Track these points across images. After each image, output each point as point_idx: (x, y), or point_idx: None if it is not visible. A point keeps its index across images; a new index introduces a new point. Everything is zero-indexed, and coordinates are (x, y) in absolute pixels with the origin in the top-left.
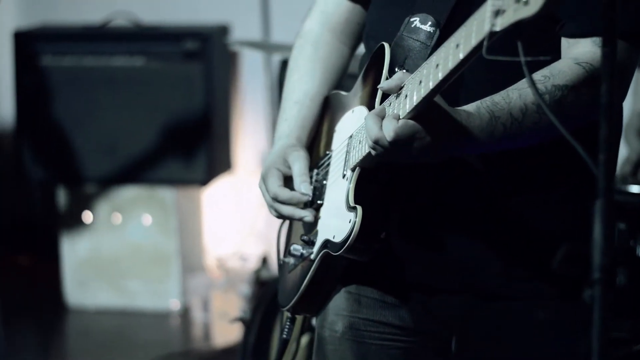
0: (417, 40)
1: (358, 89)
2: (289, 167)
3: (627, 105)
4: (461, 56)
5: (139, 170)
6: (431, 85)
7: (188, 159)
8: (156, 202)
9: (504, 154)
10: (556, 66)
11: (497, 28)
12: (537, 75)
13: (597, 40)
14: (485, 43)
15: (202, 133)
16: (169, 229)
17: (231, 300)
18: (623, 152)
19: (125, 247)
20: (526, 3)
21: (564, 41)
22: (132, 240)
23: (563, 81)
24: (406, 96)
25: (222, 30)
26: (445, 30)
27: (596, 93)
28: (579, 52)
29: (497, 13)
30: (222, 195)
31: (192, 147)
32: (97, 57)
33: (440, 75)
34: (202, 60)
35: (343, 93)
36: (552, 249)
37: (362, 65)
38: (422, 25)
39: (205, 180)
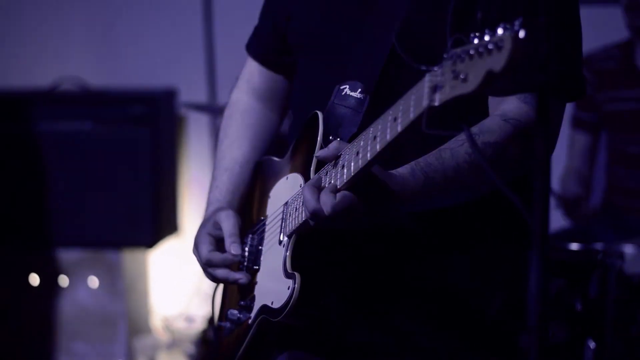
0: (348, 108)
1: (291, 157)
2: (220, 229)
3: (559, 167)
4: (399, 129)
5: (85, 233)
6: (369, 157)
7: (134, 221)
8: (103, 265)
9: (437, 211)
10: (485, 124)
11: (436, 103)
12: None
13: (522, 96)
14: (424, 118)
15: (149, 196)
16: (115, 291)
17: None
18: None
19: (71, 309)
20: (464, 80)
21: (491, 99)
22: (78, 303)
23: (492, 138)
24: (343, 166)
25: (170, 94)
26: (375, 96)
27: (524, 148)
28: (506, 108)
29: (435, 89)
30: (168, 257)
31: (139, 210)
32: (45, 121)
33: (379, 148)
34: (150, 124)
35: (275, 159)
36: (487, 299)
37: (293, 133)
38: (352, 92)
39: (151, 243)
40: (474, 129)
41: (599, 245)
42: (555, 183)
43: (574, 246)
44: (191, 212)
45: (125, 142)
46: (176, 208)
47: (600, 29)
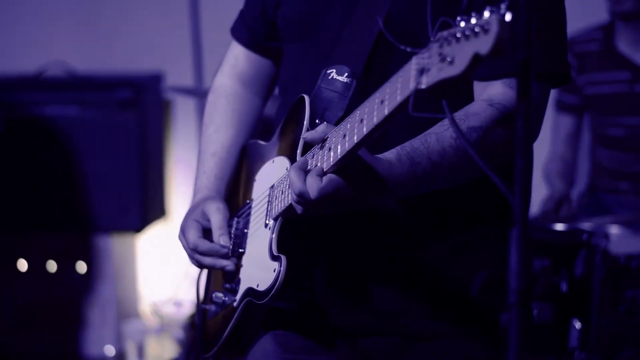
0: (335, 92)
1: (278, 140)
2: (208, 220)
3: (546, 149)
4: (386, 112)
5: (73, 218)
6: (355, 139)
7: (122, 206)
8: (91, 249)
9: (421, 193)
10: (470, 108)
11: (423, 86)
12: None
13: (507, 81)
14: (410, 101)
15: (136, 180)
16: (103, 276)
17: (166, 345)
18: (543, 192)
19: (60, 294)
20: (451, 62)
21: (477, 84)
22: (66, 288)
23: (478, 122)
24: (330, 149)
25: (156, 79)
26: (362, 80)
27: (510, 132)
28: (492, 93)
29: (422, 71)
30: (156, 242)
31: (127, 195)
32: (31, 106)
33: (365, 130)
34: (136, 108)
35: (261, 143)
36: (471, 280)
37: (280, 116)
38: (338, 76)
39: (139, 227)
40: (460, 114)
41: (584, 226)
42: (539, 171)
43: (559, 227)
44: (179, 196)
45: (112, 127)
46: (164, 192)
47: (582, 11)
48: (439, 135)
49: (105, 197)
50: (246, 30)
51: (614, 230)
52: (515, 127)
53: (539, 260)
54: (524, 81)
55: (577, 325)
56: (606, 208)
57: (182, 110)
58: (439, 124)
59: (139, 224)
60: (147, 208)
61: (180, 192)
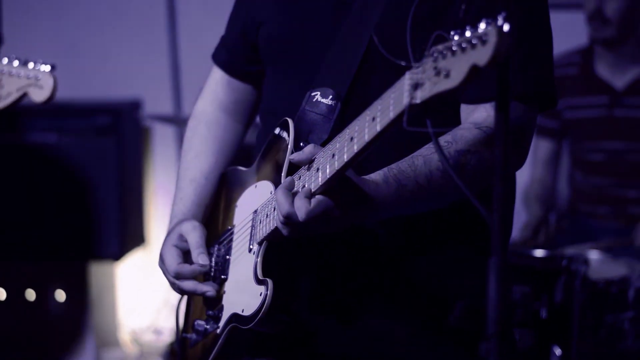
0: (319, 114)
1: (260, 165)
2: (185, 241)
3: (526, 172)
4: (379, 128)
5: (52, 246)
6: (346, 158)
7: (101, 234)
8: (69, 277)
9: (404, 217)
10: (458, 132)
11: (417, 100)
12: (441, 141)
13: (495, 104)
14: (405, 115)
15: (115, 208)
16: (82, 304)
17: None
18: (524, 216)
19: (39, 323)
20: (447, 76)
21: (464, 107)
22: (45, 316)
23: (465, 146)
24: (318, 169)
25: (134, 105)
26: (347, 102)
27: None
28: (479, 116)
29: (416, 86)
30: (136, 270)
31: (105, 222)
32: (9, 133)
33: (356, 148)
34: (115, 135)
35: (242, 169)
36: (450, 307)
37: (261, 141)
38: (323, 98)
39: (118, 255)
40: (447, 137)
41: (563, 251)
42: (520, 195)
43: (539, 252)
44: (158, 224)
45: (91, 154)
46: (143, 220)
47: (564, 35)
48: (426, 158)
49: (84, 225)
50: (227, 55)
51: (593, 255)
52: (494, 153)
53: (519, 286)
54: (503, 105)
55: (558, 351)
56: (586, 233)
57: (162, 137)
58: (426, 146)
59: (118, 252)
60: (126, 236)
61: (160, 220)
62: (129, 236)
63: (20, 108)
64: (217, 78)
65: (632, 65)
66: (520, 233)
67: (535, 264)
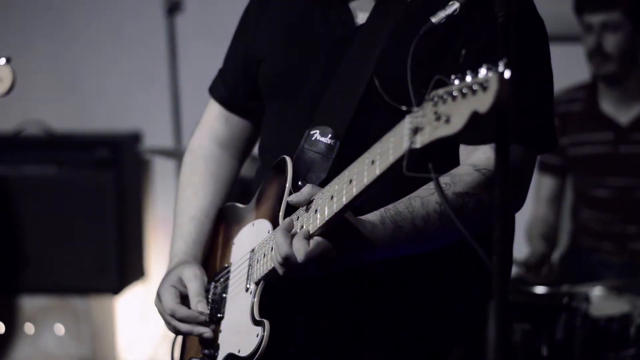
0: (318, 153)
1: (257, 202)
2: (185, 286)
3: (528, 210)
4: (378, 172)
5: (50, 280)
6: (344, 200)
7: (100, 267)
8: (69, 312)
9: (401, 257)
10: (457, 173)
11: (417, 145)
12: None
13: (494, 146)
14: (404, 160)
15: (114, 241)
16: (81, 338)
17: None
18: (526, 252)
19: (38, 357)
20: (447, 121)
21: (463, 148)
22: (45, 350)
23: (464, 188)
24: (316, 211)
25: (134, 138)
26: (346, 141)
27: None
28: (478, 158)
29: (416, 130)
30: (135, 303)
31: (105, 256)
32: (9, 166)
33: (355, 191)
34: (114, 168)
35: (239, 205)
36: (449, 349)
37: (259, 179)
38: (322, 137)
39: (117, 289)
40: (446, 179)
41: (564, 288)
42: (522, 232)
43: (540, 289)
44: (158, 257)
45: (90, 186)
46: (142, 253)
47: (563, 71)
48: (424, 199)
49: (83, 258)
50: (225, 90)
51: (595, 292)
52: (493, 196)
53: (520, 323)
54: (502, 148)
55: None
56: (589, 269)
57: (162, 169)
58: (424, 187)
59: (117, 286)
60: (125, 269)
61: (159, 253)
62: (129, 270)
63: (20, 140)
64: (215, 112)
65: (636, 100)
66: (522, 268)
67: (536, 300)
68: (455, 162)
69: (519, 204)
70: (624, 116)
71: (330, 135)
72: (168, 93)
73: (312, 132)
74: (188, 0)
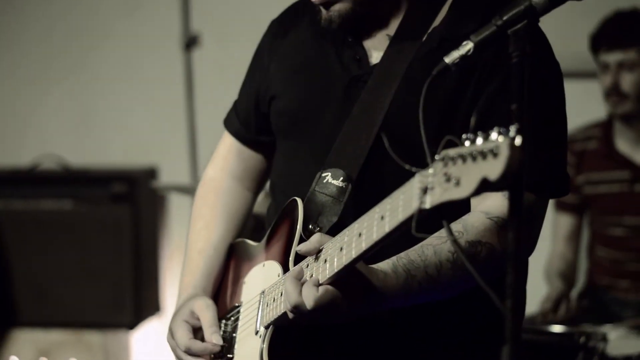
0: (329, 196)
1: (268, 242)
2: (197, 319)
3: (546, 248)
4: (387, 229)
5: (66, 314)
6: (354, 254)
7: (116, 302)
8: (83, 346)
9: (413, 305)
10: (468, 221)
11: (427, 206)
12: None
13: (506, 193)
14: (413, 221)
15: (130, 276)
16: None
17: None
18: (544, 291)
19: None
20: (457, 184)
21: None
22: None
23: (476, 237)
24: (325, 261)
25: (150, 173)
26: (358, 184)
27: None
28: (489, 205)
29: (425, 190)
30: (150, 338)
31: (120, 290)
32: (25, 200)
33: (364, 246)
34: (130, 203)
35: (251, 243)
36: None
37: (270, 217)
38: (333, 180)
39: (133, 324)
40: (458, 227)
41: (581, 327)
42: (540, 271)
43: (557, 328)
44: (173, 293)
45: (106, 221)
46: (158, 288)
47: (582, 105)
48: (436, 247)
49: (98, 293)
50: (239, 123)
51: (611, 331)
52: (507, 243)
53: None
54: (515, 197)
55: None
56: (605, 308)
57: (177, 204)
58: (435, 235)
59: (132, 321)
60: (140, 304)
61: (175, 289)
62: (144, 305)
63: (37, 174)
64: (228, 145)
65: None
66: (541, 306)
67: (553, 340)
68: (466, 207)
69: (530, 249)
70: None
71: (342, 178)
72: (185, 128)
73: (323, 175)
74: (205, 35)
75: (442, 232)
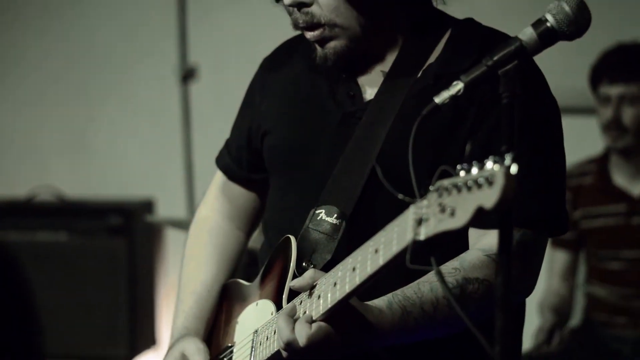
0: (323, 233)
1: (261, 282)
2: None
3: (541, 284)
4: (381, 262)
5: (61, 346)
6: (347, 288)
7: (111, 334)
8: None
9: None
10: (466, 258)
11: (421, 237)
12: (448, 268)
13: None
14: (408, 253)
15: (126, 308)
16: None
17: None
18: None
19: None
20: (452, 214)
21: (472, 231)
22: None
23: (473, 274)
24: (319, 297)
25: (147, 206)
26: (352, 222)
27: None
28: (487, 242)
29: (420, 221)
30: None
31: (116, 323)
32: (21, 231)
33: (358, 280)
34: (126, 235)
35: (244, 283)
36: None
37: (263, 255)
38: (327, 217)
39: (128, 357)
40: (455, 264)
41: None
42: (535, 308)
43: None
44: (170, 325)
45: (102, 254)
46: (154, 321)
47: (579, 140)
48: (433, 284)
49: (94, 325)
50: (231, 160)
51: None
52: (515, 279)
53: None
54: (505, 236)
55: None
56: (603, 344)
57: (173, 237)
58: (432, 272)
59: (128, 354)
60: (136, 337)
61: (171, 322)
62: (140, 337)
63: (32, 206)
64: (220, 183)
65: None
66: (534, 339)
67: None
68: (464, 244)
69: (529, 288)
70: (636, 188)
71: (336, 215)
72: (181, 160)
73: (317, 212)
74: (203, 67)
75: (440, 269)
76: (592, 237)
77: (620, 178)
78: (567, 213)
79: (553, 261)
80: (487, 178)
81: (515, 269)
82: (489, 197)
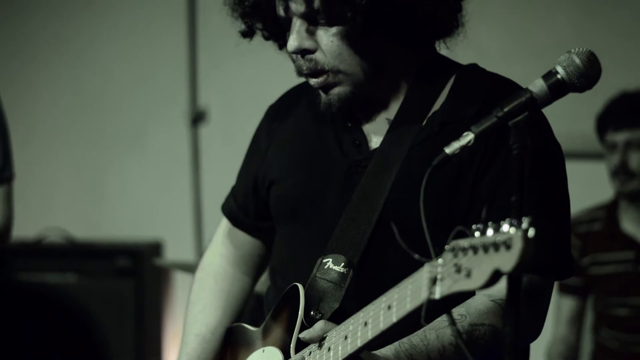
0: (331, 282)
1: (268, 328)
2: None
3: (549, 330)
4: (394, 319)
5: None
6: (359, 343)
7: None
8: None
9: None
10: (472, 304)
11: (437, 296)
12: (454, 314)
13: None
14: (423, 311)
15: (133, 351)
16: None
17: None
18: None
19: None
20: (468, 275)
21: None
22: None
23: (480, 319)
24: (329, 349)
25: (155, 248)
26: (359, 270)
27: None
28: (494, 288)
29: (435, 280)
30: None
31: None
32: (30, 273)
33: (370, 335)
34: (134, 277)
35: (249, 328)
36: None
37: (270, 302)
38: (334, 266)
39: None
40: (461, 310)
41: None
42: (541, 356)
43: None
44: None
45: (110, 296)
46: None
47: (587, 186)
48: (439, 332)
49: None
50: (237, 208)
51: None
52: (521, 325)
53: None
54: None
55: None
56: None
57: (182, 280)
58: (439, 318)
59: None
60: None
61: None
62: None
63: (42, 247)
64: (226, 230)
65: None
66: None
67: None
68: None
69: (536, 332)
70: None
71: (343, 264)
72: (190, 203)
73: (324, 260)
74: (213, 109)
75: (445, 316)
76: (600, 283)
77: (628, 224)
78: (572, 257)
79: (560, 308)
80: (505, 242)
81: (522, 314)
82: (507, 261)
